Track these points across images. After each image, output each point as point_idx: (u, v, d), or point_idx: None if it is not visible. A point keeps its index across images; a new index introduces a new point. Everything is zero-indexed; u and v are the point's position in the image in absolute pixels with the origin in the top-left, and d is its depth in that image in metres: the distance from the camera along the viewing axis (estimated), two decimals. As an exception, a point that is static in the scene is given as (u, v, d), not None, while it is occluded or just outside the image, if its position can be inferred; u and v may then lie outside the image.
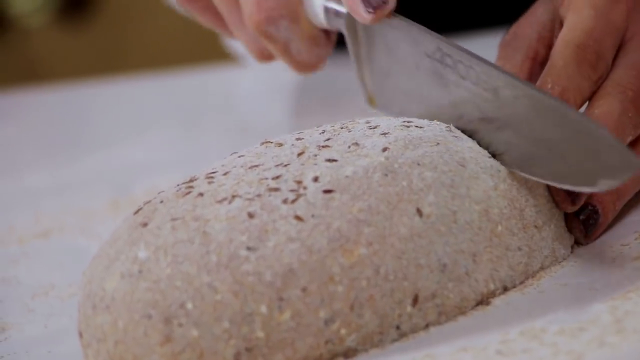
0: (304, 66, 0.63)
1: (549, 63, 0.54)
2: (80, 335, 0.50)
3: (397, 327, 0.49)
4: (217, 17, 0.66)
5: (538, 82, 0.54)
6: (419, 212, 0.50)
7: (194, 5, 0.66)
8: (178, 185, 0.52)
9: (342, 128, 0.53)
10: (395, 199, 0.49)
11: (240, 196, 0.50)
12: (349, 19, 0.58)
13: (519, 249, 0.52)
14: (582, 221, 0.53)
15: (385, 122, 0.53)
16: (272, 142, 0.53)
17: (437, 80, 0.54)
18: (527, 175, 0.52)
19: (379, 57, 0.57)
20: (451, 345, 0.47)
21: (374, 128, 0.53)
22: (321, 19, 0.60)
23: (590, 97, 0.55)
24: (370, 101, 0.58)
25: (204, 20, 0.67)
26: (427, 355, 0.47)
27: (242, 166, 0.51)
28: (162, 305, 0.48)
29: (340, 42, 0.63)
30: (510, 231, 0.51)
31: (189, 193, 0.51)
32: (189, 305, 0.47)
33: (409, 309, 0.49)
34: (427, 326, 0.49)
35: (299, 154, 0.51)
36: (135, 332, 0.48)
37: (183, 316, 0.47)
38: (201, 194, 0.50)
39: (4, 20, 1.84)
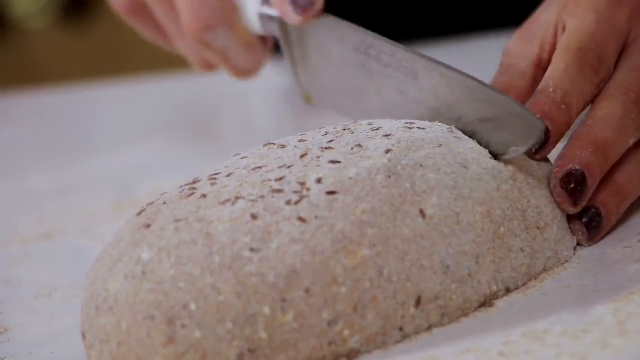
0: (242, 72, 0.65)
1: (550, 67, 0.55)
2: (84, 336, 0.50)
3: (400, 329, 0.49)
4: (158, 30, 0.68)
5: (540, 86, 0.54)
6: (422, 213, 0.50)
7: (136, 19, 0.69)
8: (181, 186, 0.52)
9: (344, 130, 0.53)
10: (399, 200, 0.49)
11: (243, 198, 0.50)
12: (282, 22, 0.61)
13: (522, 250, 0.52)
14: (585, 224, 0.53)
15: (388, 124, 0.53)
16: (275, 144, 0.53)
17: (364, 72, 0.56)
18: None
19: (311, 56, 0.60)
20: (454, 347, 0.47)
21: (376, 130, 0.53)
22: (256, 26, 0.63)
23: (593, 100, 0.55)
24: (307, 99, 0.60)
25: (147, 34, 0.70)
26: (430, 357, 0.47)
27: (245, 168, 0.51)
28: (165, 306, 0.48)
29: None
30: (513, 232, 0.51)
31: (192, 194, 0.51)
32: (192, 307, 0.47)
33: (412, 310, 0.49)
34: (430, 328, 0.49)
35: (302, 156, 0.51)
36: (139, 333, 0.48)
37: (186, 317, 0.47)
38: (204, 196, 0.50)
39: (6, 23, 1.84)
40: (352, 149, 0.51)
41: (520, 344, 0.46)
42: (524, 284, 0.52)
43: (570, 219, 0.54)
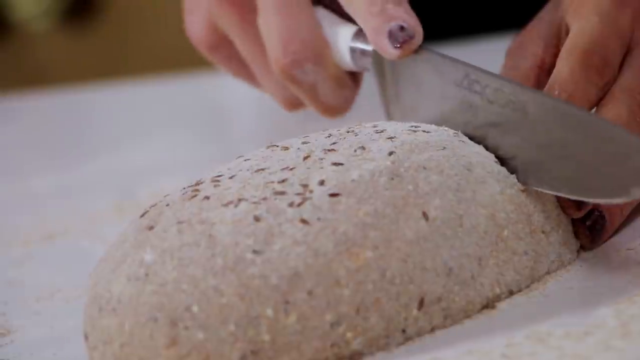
0: (331, 110, 0.62)
1: (555, 70, 0.54)
2: (86, 337, 0.50)
3: (403, 331, 0.49)
4: (241, 65, 0.65)
5: (544, 90, 0.54)
6: (425, 215, 0.50)
7: (218, 54, 0.66)
8: (184, 188, 0.52)
9: (348, 132, 0.53)
10: (401, 202, 0.49)
11: (246, 199, 0.50)
12: (376, 56, 0.58)
13: (525, 253, 0.52)
14: (588, 227, 0.53)
15: (392, 126, 0.53)
16: (278, 146, 0.53)
17: (465, 108, 0.54)
18: (545, 190, 0.51)
19: (406, 93, 0.57)
20: (457, 349, 0.47)
21: (380, 132, 0.53)
22: (347, 60, 0.60)
23: (598, 103, 0.54)
24: None
25: (228, 70, 0.67)
26: (432, 359, 0.47)
27: (248, 170, 0.51)
28: (168, 308, 0.48)
29: None
30: (517, 236, 0.51)
31: (195, 196, 0.51)
32: (195, 308, 0.47)
33: (414, 312, 0.49)
34: (432, 330, 0.49)
35: (305, 158, 0.51)
36: (141, 335, 0.48)
37: (189, 319, 0.47)
38: (207, 197, 0.50)
39: (8, 25, 1.84)
40: (355, 151, 0.51)
41: (523, 346, 0.46)
42: (527, 286, 0.51)
43: (573, 222, 0.54)
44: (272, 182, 0.50)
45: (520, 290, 0.51)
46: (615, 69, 0.54)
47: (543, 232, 0.52)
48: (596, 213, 0.53)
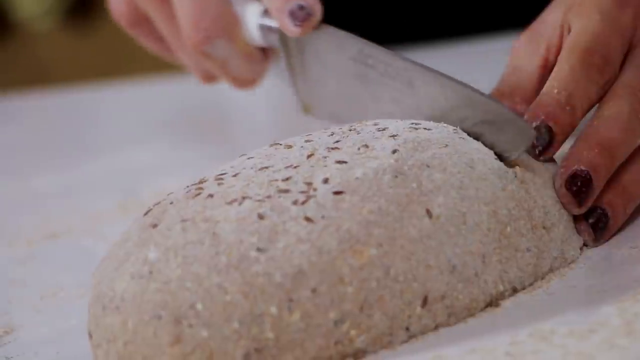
0: (243, 82, 0.65)
1: (555, 68, 0.54)
2: (90, 335, 0.50)
3: (407, 329, 0.49)
4: (160, 41, 0.68)
5: (544, 88, 0.54)
6: (429, 213, 0.50)
7: (138, 30, 0.69)
8: (188, 186, 0.52)
9: (350, 130, 0.53)
10: (405, 200, 0.49)
11: (250, 197, 0.50)
12: (282, 33, 0.61)
13: (528, 250, 0.52)
14: (591, 224, 0.53)
15: (394, 124, 0.53)
16: (281, 144, 0.53)
17: (361, 81, 0.56)
18: None
19: (310, 67, 0.60)
20: (460, 347, 0.47)
21: (382, 130, 0.53)
22: (257, 36, 0.63)
23: (598, 101, 0.55)
24: (306, 109, 0.60)
25: (148, 45, 0.70)
26: (436, 357, 0.47)
27: (251, 168, 0.51)
28: (172, 306, 0.48)
29: None
30: (519, 232, 0.51)
31: (198, 194, 0.51)
32: (199, 306, 0.47)
33: (418, 310, 0.49)
34: (436, 327, 0.49)
35: (309, 156, 0.51)
36: (145, 333, 0.48)
37: (193, 317, 0.47)
38: (211, 195, 0.50)
39: (10, 25, 1.84)
40: (359, 149, 0.51)
41: (527, 344, 0.46)
42: (530, 284, 0.52)
43: (576, 219, 0.54)
44: (276, 180, 0.50)
45: (523, 288, 0.51)
46: (616, 67, 0.55)
47: (544, 227, 0.52)
48: (599, 210, 0.53)
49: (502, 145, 0.52)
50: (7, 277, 0.66)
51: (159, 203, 0.52)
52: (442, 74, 0.53)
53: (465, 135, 0.54)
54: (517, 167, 0.53)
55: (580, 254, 0.54)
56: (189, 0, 0.63)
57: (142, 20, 0.68)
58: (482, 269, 0.50)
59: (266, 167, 0.51)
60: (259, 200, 0.49)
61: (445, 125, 0.54)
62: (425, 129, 0.53)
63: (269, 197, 0.49)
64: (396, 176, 0.50)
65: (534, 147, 0.53)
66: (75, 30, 1.83)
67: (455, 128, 0.54)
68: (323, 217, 0.48)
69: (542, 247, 0.52)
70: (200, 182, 0.52)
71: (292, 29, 0.59)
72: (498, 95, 0.57)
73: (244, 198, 0.50)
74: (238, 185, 0.50)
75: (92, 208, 0.75)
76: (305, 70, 0.60)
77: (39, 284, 0.64)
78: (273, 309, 0.47)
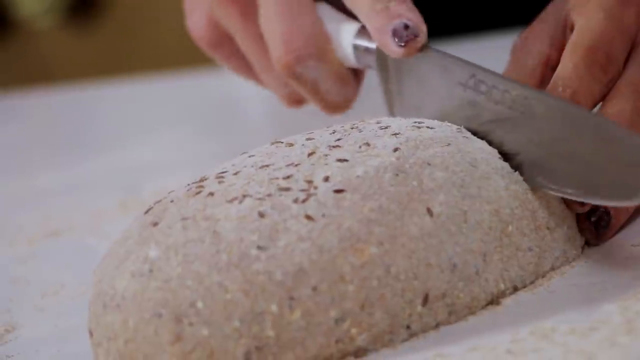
0: (333, 106, 0.62)
1: (559, 66, 0.54)
2: (91, 334, 0.50)
3: (408, 327, 0.49)
4: (243, 62, 0.65)
5: (549, 86, 0.54)
6: (430, 211, 0.50)
7: (219, 51, 0.65)
8: (188, 184, 0.52)
9: (352, 128, 0.53)
10: (406, 198, 0.49)
11: (250, 196, 0.50)
12: (379, 54, 0.58)
13: (530, 249, 0.52)
14: (593, 223, 0.53)
15: (396, 122, 0.53)
16: (282, 142, 0.53)
17: (470, 108, 0.54)
18: (551, 190, 0.51)
19: (410, 91, 0.57)
20: (461, 345, 0.47)
21: (384, 128, 0.53)
22: (350, 57, 0.60)
23: (602, 99, 0.54)
24: None
25: (230, 66, 0.66)
26: (437, 355, 0.47)
27: (252, 166, 0.51)
28: (172, 304, 0.48)
29: None
30: (521, 232, 0.51)
31: (199, 192, 0.51)
32: (200, 304, 0.47)
33: (419, 308, 0.49)
34: (437, 326, 0.49)
35: (310, 154, 0.51)
36: (146, 331, 0.48)
37: (193, 315, 0.47)
38: (212, 194, 0.50)
39: (12, 23, 1.84)
40: (360, 147, 0.51)
41: (528, 342, 0.46)
42: (531, 282, 0.51)
43: (578, 218, 0.54)
44: (277, 178, 0.50)
45: (524, 287, 0.51)
46: (619, 65, 0.54)
47: (548, 228, 0.52)
48: (601, 209, 0.53)
49: (634, 180, 0.49)
50: (8, 275, 0.66)
51: (159, 201, 0.52)
52: (565, 102, 0.51)
53: (469, 134, 0.53)
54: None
55: (581, 252, 0.54)
56: (278, 19, 0.60)
57: (224, 40, 0.65)
58: (483, 267, 0.50)
59: (267, 165, 0.51)
60: (259, 199, 0.49)
61: (448, 124, 0.54)
62: (428, 127, 0.53)
63: (269, 195, 0.49)
64: (397, 174, 0.50)
65: None
66: (76, 28, 1.83)
67: (459, 127, 0.54)
68: (324, 215, 0.48)
69: (544, 246, 0.52)
70: (201, 180, 0.52)
71: (395, 50, 0.55)
72: None
73: (244, 196, 0.50)
74: (239, 184, 0.50)
75: (94, 206, 0.75)
76: (404, 96, 0.57)
77: (40, 282, 0.64)
78: (274, 307, 0.47)
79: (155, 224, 0.50)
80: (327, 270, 0.48)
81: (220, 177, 0.51)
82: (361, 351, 0.48)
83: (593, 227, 0.53)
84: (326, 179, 0.50)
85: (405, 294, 0.48)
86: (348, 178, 0.50)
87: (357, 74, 0.62)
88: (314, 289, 0.47)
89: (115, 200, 0.75)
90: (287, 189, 0.49)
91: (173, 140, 0.90)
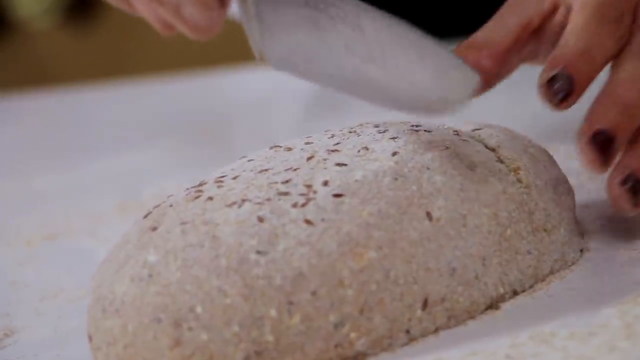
0: (198, 30, 0.62)
1: (569, 25, 0.54)
2: (90, 338, 0.50)
3: (407, 331, 0.49)
4: None
5: (559, 42, 0.53)
6: (429, 216, 0.50)
7: None
8: (187, 189, 0.52)
9: (351, 132, 0.53)
10: (405, 203, 0.49)
11: (249, 200, 0.50)
12: None
13: (529, 252, 0.52)
14: (629, 189, 0.52)
15: (394, 126, 0.53)
16: (281, 147, 0.53)
17: (314, 27, 0.54)
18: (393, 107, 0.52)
19: (265, 14, 0.57)
20: (461, 349, 0.47)
21: (383, 132, 0.53)
22: None
23: (617, 55, 0.54)
24: (261, 57, 0.57)
25: None
26: (436, 359, 0.47)
27: (251, 170, 0.51)
28: (171, 309, 0.48)
29: None
30: (520, 235, 0.51)
31: (198, 197, 0.51)
32: (199, 309, 0.47)
33: (418, 312, 0.49)
34: (436, 330, 0.49)
35: (309, 158, 0.51)
36: (145, 336, 0.48)
37: (193, 320, 0.47)
38: (211, 198, 0.50)
39: (10, 24, 1.84)
40: (359, 151, 0.51)
41: (527, 347, 0.46)
42: (530, 286, 0.52)
43: (611, 187, 0.52)
44: (276, 182, 0.50)
45: (524, 290, 0.51)
46: (629, 24, 0.54)
47: (545, 230, 0.52)
48: (634, 175, 0.52)
49: (446, 92, 0.50)
50: (7, 279, 0.66)
51: (158, 206, 0.52)
52: (391, 17, 0.51)
53: (467, 137, 0.53)
54: (520, 170, 0.53)
55: (580, 256, 0.54)
56: None
57: None
58: (483, 271, 0.50)
59: (266, 170, 0.51)
60: (258, 203, 0.49)
61: (446, 127, 0.54)
62: (425, 131, 0.53)
63: (268, 199, 0.49)
64: (396, 178, 0.50)
65: (555, 94, 0.52)
66: (75, 29, 1.83)
67: (455, 130, 0.54)
68: (323, 219, 0.48)
69: (542, 249, 0.52)
70: (200, 184, 0.52)
71: None
72: (468, 46, 0.56)
73: (243, 201, 0.50)
74: (238, 188, 0.50)
75: (92, 209, 0.75)
76: (260, 18, 0.57)
77: (39, 286, 0.63)
78: (273, 312, 0.47)
79: (154, 229, 0.50)
80: (326, 275, 0.48)
81: (219, 181, 0.51)
82: (360, 356, 0.48)
83: (630, 193, 0.52)
84: (325, 183, 0.50)
85: (404, 298, 0.48)
86: (347, 182, 0.50)
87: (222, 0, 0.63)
88: (313, 293, 0.47)
89: (113, 203, 0.75)
90: (286, 194, 0.49)
91: (172, 143, 0.90)
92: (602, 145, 0.51)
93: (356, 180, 0.50)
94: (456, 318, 0.49)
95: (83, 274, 0.61)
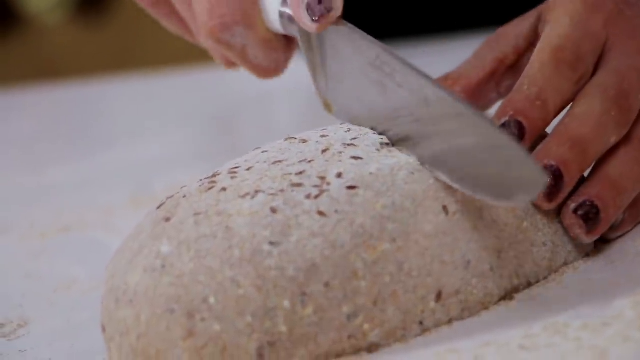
0: (263, 71, 0.62)
1: (527, 67, 0.53)
2: (103, 329, 0.50)
3: (420, 323, 0.48)
4: (182, 23, 0.65)
5: (515, 86, 0.52)
6: (445, 209, 0.49)
7: (159, 10, 0.65)
8: (201, 180, 0.51)
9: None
10: (421, 196, 0.49)
11: (263, 191, 0.49)
12: None
13: (544, 244, 0.51)
14: (581, 216, 0.51)
15: None
16: (296, 139, 0.53)
17: (379, 88, 0.53)
18: (440, 177, 0.50)
19: (331, 63, 0.56)
20: (474, 340, 0.47)
21: None
22: (277, 24, 0.59)
23: (572, 99, 0.53)
24: (327, 107, 0.56)
25: (169, 26, 0.66)
26: (450, 350, 0.46)
27: (265, 161, 0.51)
28: (184, 299, 0.47)
29: None
30: (536, 227, 0.51)
31: (212, 188, 0.50)
32: (212, 300, 0.47)
33: (432, 304, 0.48)
34: (450, 321, 0.49)
35: (324, 151, 0.51)
36: (158, 327, 0.47)
37: (206, 311, 0.47)
38: (224, 189, 0.50)
39: (21, 18, 1.84)
40: (378, 150, 0.51)
41: (541, 337, 0.46)
42: (544, 277, 0.51)
43: (565, 215, 0.51)
44: (290, 174, 0.49)
45: (538, 282, 0.51)
46: (588, 66, 0.53)
47: (560, 222, 0.52)
48: (587, 203, 0.51)
49: (511, 189, 0.48)
50: (21, 270, 0.65)
51: (172, 197, 0.51)
52: (459, 99, 0.50)
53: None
54: None
55: (594, 247, 0.53)
56: None
57: (162, 0, 0.64)
58: (498, 264, 0.49)
59: (280, 161, 0.51)
60: (272, 194, 0.49)
61: None
62: None
63: (282, 191, 0.49)
64: (413, 173, 0.49)
65: None
66: (85, 23, 1.83)
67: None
68: (336, 211, 0.48)
69: (557, 241, 0.52)
70: (214, 175, 0.51)
71: (308, 24, 0.55)
72: (444, 79, 0.56)
73: (257, 192, 0.49)
74: (251, 179, 0.50)
75: (105, 201, 0.75)
76: (326, 67, 0.56)
77: (52, 277, 0.63)
78: (286, 303, 0.47)
79: (167, 219, 0.50)
80: (339, 267, 0.47)
81: (233, 172, 0.51)
82: (374, 347, 0.48)
83: (581, 220, 0.51)
84: (339, 175, 0.49)
85: (418, 290, 0.48)
86: (361, 175, 0.49)
87: (289, 40, 0.61)
88: (326, 284, 0.47)
89: (127, 195, 0.75)
90: (300, 185, 0.49)
91: (184, 135, 0.90)
92: (549, 180, 0.50)
93: (371, 173, 0.49)
94: (470, 310, 0.49)
95: (96, 265, 0.61)
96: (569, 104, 0.53)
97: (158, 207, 0.51)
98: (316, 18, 0.55)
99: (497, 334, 0.47)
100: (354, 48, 0.54)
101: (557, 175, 0.50)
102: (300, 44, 0.57)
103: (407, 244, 0.48)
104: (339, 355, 0.47)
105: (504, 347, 0.46)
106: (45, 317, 0.58)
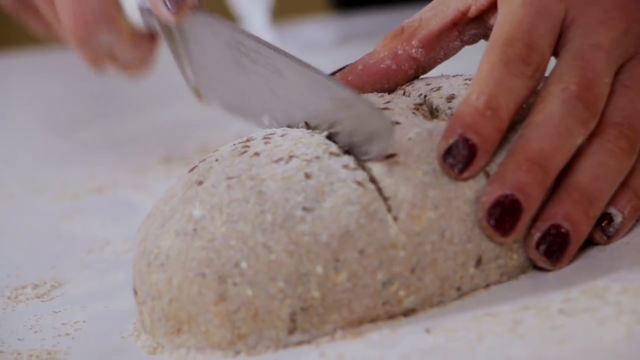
0: (130, 69, 0.60)
1: (476, 72, 0.45)
2: (135, 292, 0.46)
3: (458, 288, 0.44)
4: (49, 25, 0.62)
5: (464, 96, 0.45)
6: (487, 173, 0.45)
7: (23, 13, 0.63)
8: (234, 144, 0.47)
9: (400, 91, 0.49)
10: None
11: (297, 157, 0.45)
12: None
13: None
14: (544, 251, 0.44)
15: (446, 82, 0.48)
16: None
17: (238, 68, 0.50)
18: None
19: (194, 51, 0.53)
20: (513, 304, 0.43)
21: (436, 90, 0.48)
22: (138, 20, 0.57)
23: (532, 92, 0.46)
24: (197, 95, 0.54)
25: (36, 29, 0.63)
26: (487, 314, 0.42)
27: (299, 131, 0.47)
28: (216, 264, 0.43)
29: None
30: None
31: (245, 152, 0.46)
32: (244, 265, 0.43)
33: (471, 270, 0.44)
34: (487, 286, 0.45)
35: None
36: (190, 291, 0.44)
37: (237, 275, 0.43)
38: (257, 154, 0.46)
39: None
40: (413, 112, 0.47)
41: (580, 301, 0.42)
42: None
43: (528, 248, 0.45)
44: (327, 143, 0.45)
45: (577, 245, 0.47)
46: (544, 51, 0.45)
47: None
48: (551, 231, 0.44)
49: (360, 143, 0.45)
50: (54, 231, 0.62)
51: (204, 160, 0.47)
52: (304, 64, 0.46)
53: None
54: None
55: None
56: None
57: (28, 4, 0.62)
58: (538, 227, 0.45)
59: (314, 129, 0.47)
60: (307, 160, 0.44)
61: None
62: None
63: (317, 157, 0.45)
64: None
65: (451, 167, 0.44)
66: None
67: None
68: (375, 182, 0.44)
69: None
70: (247, 140, 0.47)
71: (166, 15, 0.52)
72: (400, 29, 0.49)
73: (290, 157, 0.45)
74: (285, 145, 0.46)
75: (137, 162, 0.71)
76: (189, 55, 0.53)
77: (85, 238, 0.60)
78: (319, 269, 0.43)
79: (200, 183, 0.46)
80: (375, 235, 0.43)
81: (267, 138, 0.47)
82: (410, 312, 0.44)
83: (544, 256, 0.44)
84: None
85: (458, 257, 0.44)
86: (399, 141, 0.45)
87: (152, 37, 0.59)
88: (361, 252, 0.43)
89: (158, 156, 0.71)
90: (337, 155, 0.45)
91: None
92: (499, 218, 0.43)
93: (409, 139, 0.45)
94: (509, 274, 0.45)
95: (129, 226, 0.58)
96: (526, 101, 0.45)
97: (190, 170, 0.47)
98: (173, 9, 0.52)
99: (536, 298, 0.43)
100: (212, 33, 0.51)
101: (514, 205, 0.43)
102: (163, 35, 0.54)
103: (449, 210, 0.44)
104: (373, 320, 0.43)
105: (543, 311, 0.42)
106: (79, 278, 0.54)
